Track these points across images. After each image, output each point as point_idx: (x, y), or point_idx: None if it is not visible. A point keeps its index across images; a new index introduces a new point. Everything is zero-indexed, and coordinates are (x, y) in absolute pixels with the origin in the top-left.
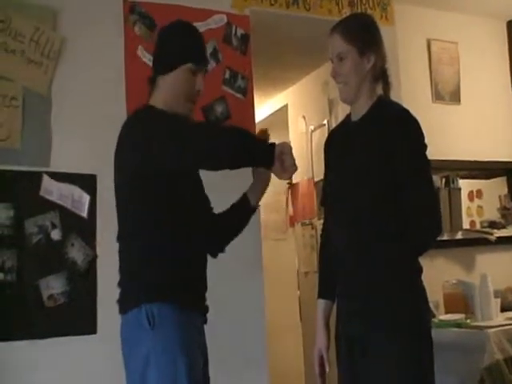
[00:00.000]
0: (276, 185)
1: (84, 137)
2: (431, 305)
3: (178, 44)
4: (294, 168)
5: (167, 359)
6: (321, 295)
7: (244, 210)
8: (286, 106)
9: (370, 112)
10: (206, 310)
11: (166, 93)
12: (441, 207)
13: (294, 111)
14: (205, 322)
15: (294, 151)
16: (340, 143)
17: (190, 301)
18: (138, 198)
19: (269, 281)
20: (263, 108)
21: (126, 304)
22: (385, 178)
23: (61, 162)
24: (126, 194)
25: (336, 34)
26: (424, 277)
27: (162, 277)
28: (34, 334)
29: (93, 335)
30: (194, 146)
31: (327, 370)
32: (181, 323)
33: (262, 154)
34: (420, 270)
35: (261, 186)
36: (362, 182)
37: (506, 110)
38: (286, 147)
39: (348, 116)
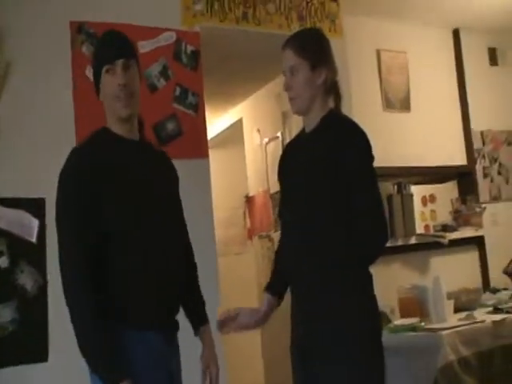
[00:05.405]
0: (234, 198)
1: (31, 159)
2: (387, 310)
3: (92, 63)
4: None
5: None
6: (267, 288)
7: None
8: (240, 120)
9: (321, 124)
10: (167, 326)
11: (105, 105)
12: (386, 216)
13: (248, 124)
14: (169, 340)
15: (250, 164)
16: (291, 157)
17: (142, 321)
18: None
19: (228, 293)
20: (218, 123)
21: None
22: (329, 192)
23: (8, 186)
24: None
25: (288, 49)
26: (379, 282)
27: (113, 300)
28: None
29: (44, 363)
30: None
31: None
32: (128, 347)
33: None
34: (369, 279)
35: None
36: (307, 196)
37: (455, 116)
38: None
39: (303, 129)
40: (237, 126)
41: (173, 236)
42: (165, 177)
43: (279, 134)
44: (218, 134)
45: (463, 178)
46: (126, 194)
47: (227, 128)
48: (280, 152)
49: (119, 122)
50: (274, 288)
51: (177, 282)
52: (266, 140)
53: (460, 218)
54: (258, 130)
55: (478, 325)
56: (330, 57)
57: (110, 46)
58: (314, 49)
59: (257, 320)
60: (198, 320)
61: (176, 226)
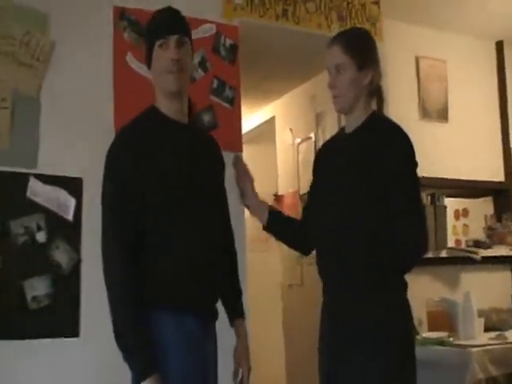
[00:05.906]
0: (262, 196)
1: (71, 140)
2: (415, 322)
3: (146, 36)
4: None
5: None
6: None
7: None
8: (273, 118)
9: (363, 126)
10: (207, 313)
11: (154, 80)
12: (427, 226)
13: (281, 123)
14: (206, 326)
15: (281, 163)
16: (328, 159)
17: (184, 306)
18: None
19: (253, 292)
20: (251, 119)
21: None
22: (370, 194)
23: (48, 164)
24: None
25: (336, 46)
26: (408, 294)
27: (156, 286)
28: (16, 335)
29: (75, 338)
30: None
31: None
32: (167, 331)
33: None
34: (404, 287)
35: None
36: (347, 198)
37: (494, 130)
38: None
39: (342, 129)
40: (270, 124)
41: (215, 223)
42: (211, 162)
43: (312, 135)
44: (251, 130)
45: (499, 194)
46: (172, 180)
47: (260, 125)
48: (313, 153)
49: (168, 97)
50: (275, 222)
51: (218, 269)
52: (299, 140)
53: (494, 235)
54: (291, 130)
55: (510, 345)
56: (377, 59)
57: (165, 21)
58: (362, 49)
59: (251, 204)
60: (234, 312)
61: (219, 213)
